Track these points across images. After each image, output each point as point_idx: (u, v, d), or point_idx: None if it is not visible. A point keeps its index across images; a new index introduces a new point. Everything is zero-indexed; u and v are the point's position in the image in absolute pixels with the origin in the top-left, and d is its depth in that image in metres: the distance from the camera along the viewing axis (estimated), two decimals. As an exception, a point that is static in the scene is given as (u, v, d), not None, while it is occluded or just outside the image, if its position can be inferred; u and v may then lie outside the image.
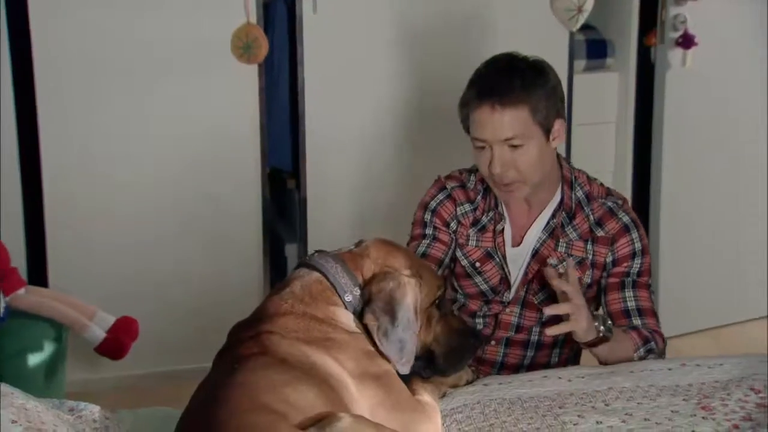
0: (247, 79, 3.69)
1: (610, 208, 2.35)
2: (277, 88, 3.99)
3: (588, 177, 2.40)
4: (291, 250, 4.04)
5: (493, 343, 2.42)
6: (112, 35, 3.56)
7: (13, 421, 1.57)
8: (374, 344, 1.91)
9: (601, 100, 4.16)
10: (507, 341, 2.40)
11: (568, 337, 2.28)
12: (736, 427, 1.91)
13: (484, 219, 2.39)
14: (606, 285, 2.35)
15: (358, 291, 1.92)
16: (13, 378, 1.98)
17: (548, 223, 2.35)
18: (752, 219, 4.20)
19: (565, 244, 2.34)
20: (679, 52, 3.93)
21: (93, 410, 1.91)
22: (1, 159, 3.51)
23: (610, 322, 2.20)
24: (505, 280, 2.37)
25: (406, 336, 1.91)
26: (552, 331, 2.11)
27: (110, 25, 3.56)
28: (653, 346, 2.29)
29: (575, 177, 2.37)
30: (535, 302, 2.37)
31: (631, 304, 2.32)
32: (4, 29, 3.44)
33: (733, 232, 4.19)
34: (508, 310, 2.39)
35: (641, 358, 2.26)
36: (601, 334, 2.15)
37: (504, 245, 2.37)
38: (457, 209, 2.41)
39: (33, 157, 3.58)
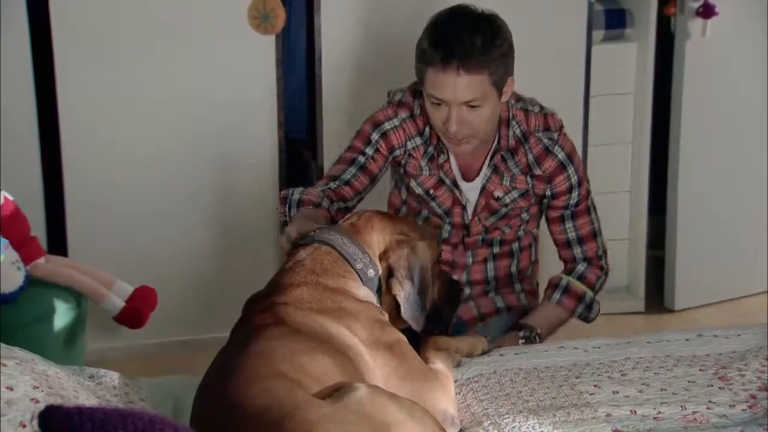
0: (265, 49, 3.67)
1: (545, 147, 2.49)
2: (293, 59, 3.97)
3: (525, 112, 2.49)
4: (307, 220, 4.04)
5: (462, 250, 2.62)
6: (130, 3, 3.55)
7: (35, 387, 1.58)
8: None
9: (620, 70, 4.11)
10: (473, 254, 2.61)
11: (524, 247, 2.64)
12: (753, 397, 1.91)
13: (431, 150, 2.52)
14: (549, 218, 2.60)
15: (368, 258, 1.96)
16: (33, 345, 1.99)
17: (491, 160, 2.50)
18: (771, 190, 4.17)
19: (509, 179, 2.51)
20: (698, 21, 3.88)
21: (113, 377, 1.93)
22: (20, 130, 3.51)
23: (537, 330, 2.46)
24: (458, 203, 2.54)
25: (423, 296, 2.01)
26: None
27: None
28: (590, 294, 2.56)
29: (513, 115, 2.48)
30: (487, 224, 2.57)
31: (571, 234, 2.58)
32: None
33: (752, 203, 4.16)
34: (473, 230, 2.58)
35: (584, 313, 2.57)
36: (522, 341, 2.42)
37: (452, 172, 2.52)
38: (408, 143, 2.53)
39: (51, 126, 3.59)
